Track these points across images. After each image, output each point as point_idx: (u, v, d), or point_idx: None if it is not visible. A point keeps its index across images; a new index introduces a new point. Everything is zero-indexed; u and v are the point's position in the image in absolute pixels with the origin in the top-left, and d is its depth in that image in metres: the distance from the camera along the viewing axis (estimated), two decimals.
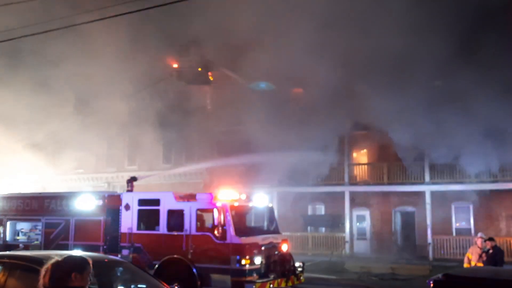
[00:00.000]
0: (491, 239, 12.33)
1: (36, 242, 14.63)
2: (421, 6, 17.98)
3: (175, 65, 24.61)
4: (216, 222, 11.93)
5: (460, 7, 17.39)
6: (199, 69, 24.75)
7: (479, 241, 12.10)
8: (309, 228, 25.88)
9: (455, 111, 18.16)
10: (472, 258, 11.93)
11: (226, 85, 23.59)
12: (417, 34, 17.96)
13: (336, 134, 22.21)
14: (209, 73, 25.06)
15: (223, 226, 11.86)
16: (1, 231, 15.21)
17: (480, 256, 11.71)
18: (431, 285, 5.00)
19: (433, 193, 22.77)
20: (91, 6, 14.70)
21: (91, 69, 22.31)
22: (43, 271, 3.63)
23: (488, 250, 11.83)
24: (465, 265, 12.12)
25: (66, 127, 26.03)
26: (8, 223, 15.22)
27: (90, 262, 3.78)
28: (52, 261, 3.67)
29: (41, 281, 3.61)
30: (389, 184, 23.90)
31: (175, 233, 12.48)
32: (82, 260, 3.78)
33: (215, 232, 11.89)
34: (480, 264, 11.52)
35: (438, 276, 5.13)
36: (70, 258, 3.78)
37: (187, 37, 23.51)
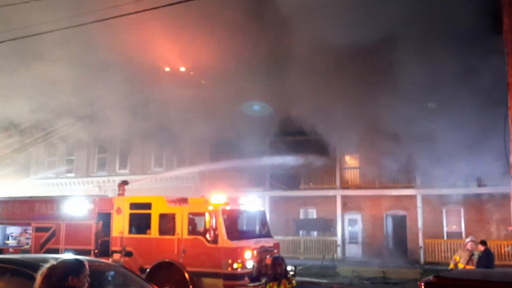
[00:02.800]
0: (483, 242, 12.39)
1: (26, 246, 14.52)
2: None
3: (167, 69, 24.52)
4: (208, 226, 11.92)
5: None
6: (191, 73, 24.66)
7: (469, 245, 12.14)
8: (300, 232, 25.90)
9: (446, 114, 18.28)
10: (460, 261, 11.95)
11: (217, 89, 23.56)
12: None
13: (328, 138, 22.28)
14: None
15: (215, 230, 11.84)
16: None
17: (470, 259, 11.72)
18: (422, 287, 5.02)
19: (424, 197, 22.87)
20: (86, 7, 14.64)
21: (79, 72, 22.17)
22: (39, 275, 3.63)
23: (477, 253, 11.87)
24: (451, 266, 12.12)
25: (59, 131, 25.86)
26: None
27: (86, 264, 3.78)
28: (48, 265, 3.67)
29: (37, 285, 3.61)
30: (381, 188, 23.99)
31: (167, 237, 12.45)
32: (77, 263, 3.78)
33: (207, 235, 11.86)
34: (470, 267, 11.54)
35: (429, 278, 5.15)
36: (66, 261, 3.78)
37: (178, 40, 23.45)
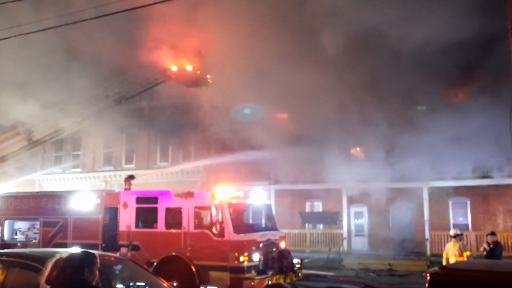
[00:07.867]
0: (492, 233, 12.46)
1: (34, 241, 14.65)
2: None
3: (174, 68, 24.48)
4: (214, 220, 11.97)
5: None
6: (198, 71, 24.60)
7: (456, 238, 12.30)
8: (306, 225, 25.92)
9: (450, 106, 18.24)
10: (449, 254, 12.00)
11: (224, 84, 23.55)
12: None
13: (334, 130, 22.26)
14: (208, 75, 24.94)
15: (221, 223, 11.89)
16: None
17: (459, 251, 11.69)
18: (428, 277, 5.04)
19: (430, 189, 22.81)
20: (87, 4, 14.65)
21: (89, 68, 22.23)
22: (50, 264, 3.67)
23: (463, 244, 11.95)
24: (444, 261, 12.15)
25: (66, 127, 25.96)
26: (6, 222, 15.23)
27: (98, 257, 3.85)
28: (63, 255, 3.72)
29: (47, 275, 3.65)
30: (386, 180, 23.89)
31: (174, 230, 12.51)
32: (91, 256, 3.86)
33: (213, 229, 11.92)
34: (461, 259, 11.51)
35: (435, 269, 5.16)
36: (80, 254, 3.85)
37: (186, 38, 23.46)
